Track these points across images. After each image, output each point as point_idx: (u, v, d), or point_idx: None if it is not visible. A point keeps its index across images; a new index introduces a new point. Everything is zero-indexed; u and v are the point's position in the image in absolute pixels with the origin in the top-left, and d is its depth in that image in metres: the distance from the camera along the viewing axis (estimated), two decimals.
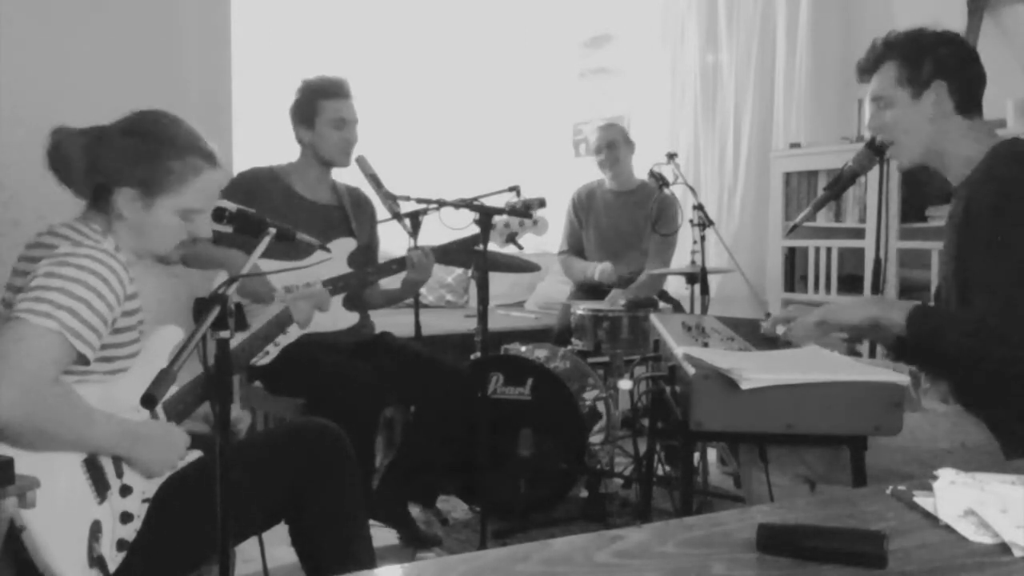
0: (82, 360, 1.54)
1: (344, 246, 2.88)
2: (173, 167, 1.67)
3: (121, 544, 1.59)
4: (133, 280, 1.66)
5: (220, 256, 2.69)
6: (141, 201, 1.67)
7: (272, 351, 2.67)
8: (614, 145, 3.99)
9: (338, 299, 2.81)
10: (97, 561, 1.53)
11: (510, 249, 2.82)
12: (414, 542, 2.88)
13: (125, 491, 1.61)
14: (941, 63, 1.85)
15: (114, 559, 1.57)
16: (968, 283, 1.78)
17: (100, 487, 1.57)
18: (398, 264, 2.84)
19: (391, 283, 3.00)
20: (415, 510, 3.02)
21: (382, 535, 2.83)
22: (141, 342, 1.73)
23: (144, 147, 1.66)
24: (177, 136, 1.70)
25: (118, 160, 1.66)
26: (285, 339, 2.67)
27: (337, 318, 2.85)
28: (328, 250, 2.40)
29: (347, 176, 3.09)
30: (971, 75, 1.88)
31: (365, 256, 3.00)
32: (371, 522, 2.84)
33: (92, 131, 1.69)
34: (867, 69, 1.95)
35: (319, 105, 2.89)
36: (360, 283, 2.83)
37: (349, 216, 3.00)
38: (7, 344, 1.44)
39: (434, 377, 2.89)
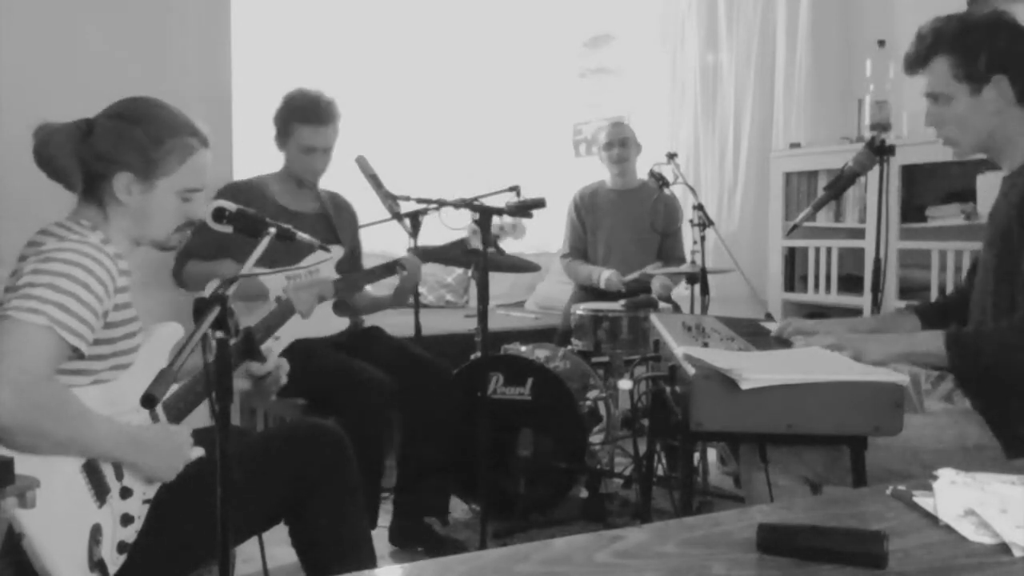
0: (76, 353, 1.53)
1: (333, 254, 2.86)
2: (171, 147, 1.70)
3: (122, 546, 1.58)
4: (124, 273, 1.66)
5: (214, 268, 2.70)
6: (141, 184, 1.69)
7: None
8: (627, 143, 4.01)
9: (327, 305, 2.79)
10: (98, 565, 1.52)
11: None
12: (441, 549, 2.80)
13: (125, 493, 1.60)
14: (998, 55, 1.74)
15: (115, 561, 1.57)
16: (1015, 282, 1.72)
17: (100, 491, 1.55)
18: (386, 269, 2.81)
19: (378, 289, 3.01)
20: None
21: (381, 535, 2.83)
22: (139, 337, 1.72)
23: (141, 130, 1.69)
24: (170, 118, 1.73)
25: (115, 146, 1.67)
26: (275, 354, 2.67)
27: (327, 324, 2.83)
28: (328, 250, 2.40)
29: (346, 175, 3.08)
30: None
31: (350, 262, 2.99)
32: (393, 549, 2.85)
33: (79, 123, 1.70)
34: (915, 64, 1.83)
35: (293, 127, 2.88)
36: (350, 289, 2.82)
37: (334, 223, 2.99)
38: None
39: (423, 378, 2.87)
